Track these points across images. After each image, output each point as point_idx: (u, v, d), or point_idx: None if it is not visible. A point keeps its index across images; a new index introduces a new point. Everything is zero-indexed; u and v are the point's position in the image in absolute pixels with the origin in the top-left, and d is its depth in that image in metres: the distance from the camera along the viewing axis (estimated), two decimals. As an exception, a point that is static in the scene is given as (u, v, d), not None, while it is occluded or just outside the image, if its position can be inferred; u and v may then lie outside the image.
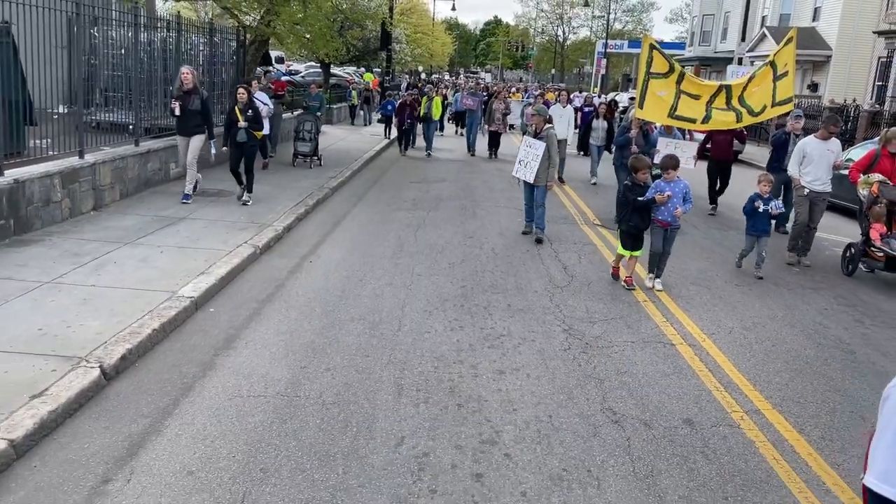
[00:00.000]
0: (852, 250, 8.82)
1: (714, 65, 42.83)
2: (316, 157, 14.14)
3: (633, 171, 7.54)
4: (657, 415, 4.68)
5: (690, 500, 3.75)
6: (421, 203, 11.65)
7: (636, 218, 7.44)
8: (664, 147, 10.26)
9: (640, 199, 7.36)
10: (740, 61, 34.65)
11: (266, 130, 12.02)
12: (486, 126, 18.76)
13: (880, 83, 25.76)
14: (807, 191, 9.06)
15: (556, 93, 21.89)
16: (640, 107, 10.24)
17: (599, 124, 14.97)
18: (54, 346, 4.88)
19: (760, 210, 8.21)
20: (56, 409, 4.10)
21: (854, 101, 23.49)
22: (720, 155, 12.12)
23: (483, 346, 5.69)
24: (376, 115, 24.70)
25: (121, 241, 7.67)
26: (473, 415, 4.54)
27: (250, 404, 4.51)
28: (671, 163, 7.42)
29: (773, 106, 10.20)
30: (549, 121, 9.82)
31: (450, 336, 5.87)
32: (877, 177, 8.75)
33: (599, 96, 31.37)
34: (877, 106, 22.66)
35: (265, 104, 12.30)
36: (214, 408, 4.44)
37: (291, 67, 37.36)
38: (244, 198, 10.11)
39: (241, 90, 10.01)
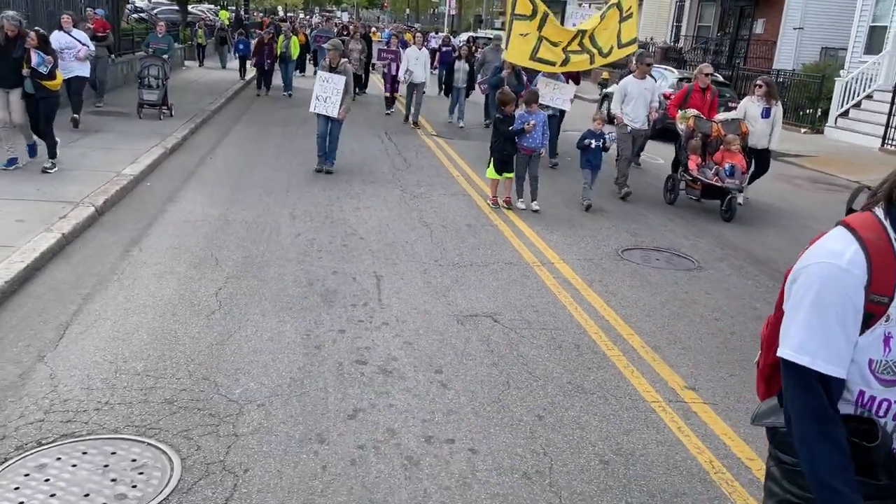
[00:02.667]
0: (672, 181, 9.52)
1: (553, 5, 46.62)
2: (165, 107, 12.70)
3: (502, 105, 8.55)
4: (450, 221, 7.84)
5: (466, 259, 6.90)
6: (291, 122, 14.09)
7: (508, 146, 8.43)
8: (544, 87, 10.73)
9: (510, 129, 8.34)
10: (580, 4, 38.51)
11: (86, 73, 11.05)
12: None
13: (677, 24, 30.48)
14: (629, 128, 9.63)
15: (413, 34, 21.25)
16: (506, 47, 10.67)
17: (461, 66, 15.12)
18: (55, 198, 7.27)
19: (592, 146, 8.78)
20: (77, 225, 6.58)
21: (651, 38, 27.95)
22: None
23: (346, 198, 8.60)
24: (234, 56, 23.13)
25: None
26: (341, 224, 7.49)
27: (199, 224, 7.17)
28: (532, 97, 8.71)
29: (619, 47, 10.43)
30: (345, 55, 10.47)
31: (323, 193, 8.73)
32: (693, 112, 9.31)
33: (453, 37, 34.03)
34: (668, 43, 27.23)
35: (84, 45, 10.80)
36: (176, 225, 7.08)
37: (137, 4, 35.24)
38: (46, 164, 8.33)
39: (31, 33, 8.15)
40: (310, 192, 8.74)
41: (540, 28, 10.16)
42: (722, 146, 8.94)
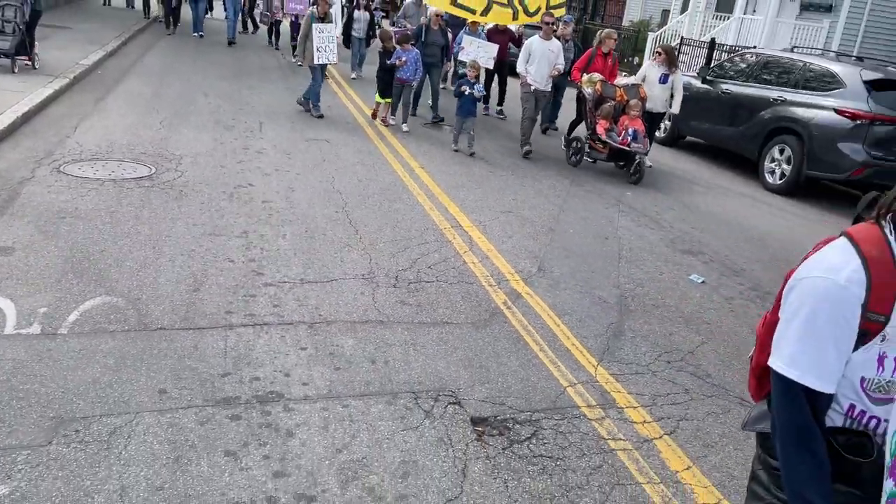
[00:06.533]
0: (577, 143, 9.70)
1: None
2: (25, 57, 10.43)
3: (382, 41, 10.67)
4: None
5: (325, 136, 10.69)
6: (204, 49, 17.18)
7: (387, 76, 10.36)
8: (468, 45, 11.14)
9: (388, 61, 10.27)
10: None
11: None
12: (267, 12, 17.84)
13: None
14: (532, 87, 9.74)
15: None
16: None
17: (361, 16, 14.81)
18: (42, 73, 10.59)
19: (466, 93, 9.37)
20: (62, 86, 9.96)
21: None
22: (497, 58, 11.67)
23: (249, 90, 12.20)
24: None
25: None
26: (240, 102, 11.13)
27: (143, 93, 10.66)
28: (405, 39, 10.38)
29: (548, 8, 10.81)
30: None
31: (230, 83, 12.30)
32: (598, 76, 9.50)
33: None
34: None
35: None
36: (129, 92, 10.56)
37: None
38: None
39: None
40: (220, 84, 12.29)
41: None
42: (625, 111, 9.32)
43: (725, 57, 15.08)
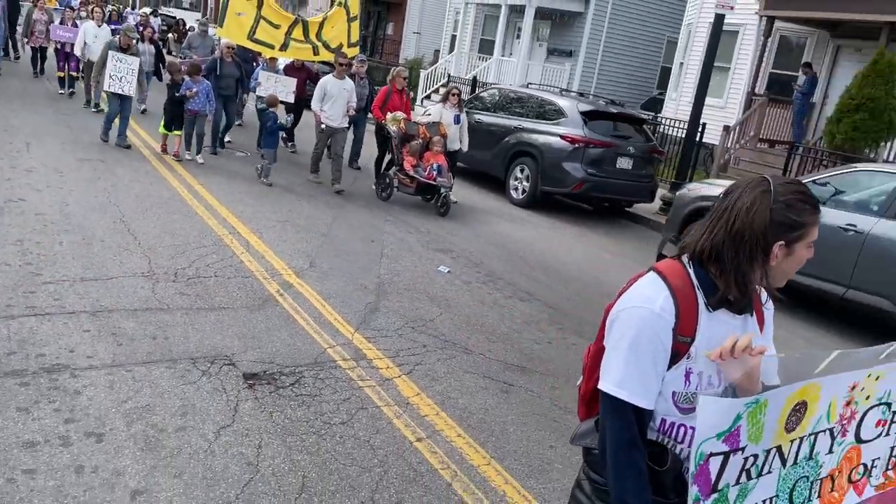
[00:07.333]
0: (386, 179, 10.24)
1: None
2: None
3: (170, 73, 10.53)
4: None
5: (98, 156, 10.67)
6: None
7: (177, 108, 10.24)
8: (266, 80, 11.33)
9: (177, 94, 10.22)
10: None
11: None
12: (26, 40, 16.62)
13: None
14: (324, 126, 10.11)
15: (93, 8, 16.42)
16: (221, 25, 11.00)
17: (146, 48, 13.96)
18: None
19: (269, 125, 9.93)
20: None
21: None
22: (295, 93, 11.87)
23: (13, 113, 11.74)
24: None
25: None
26: (10, 128, 10.76)
27: None
28: (195, 70, 10.33)
29: (348, 46, 11.36)
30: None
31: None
32: (401, 115, 10.02)
33: (133, 11, 34.80)
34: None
35: None
36: None
37: None
38: None
39: None
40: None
41: (259, 7, 10.73)
42: (429, 147, 10.03)
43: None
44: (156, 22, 25.29)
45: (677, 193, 9.46)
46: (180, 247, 6.59)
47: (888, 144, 12.62)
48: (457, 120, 10.62)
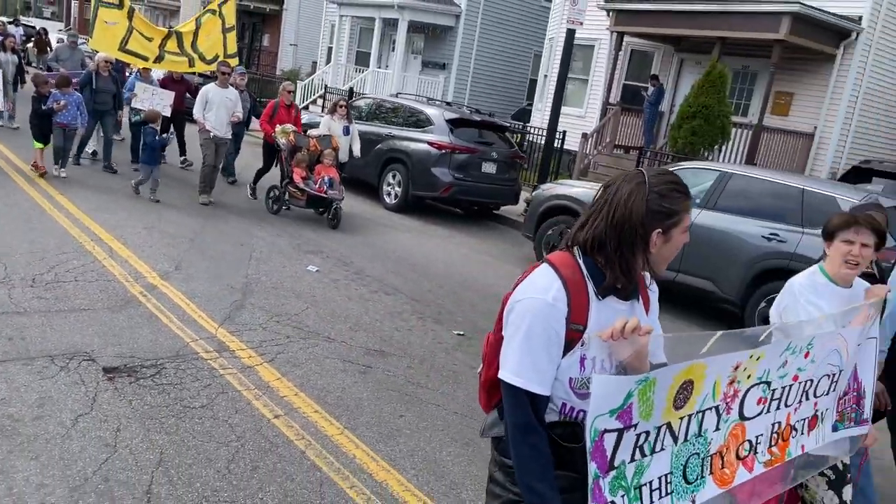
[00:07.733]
0: (276, 192, 10.11)
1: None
2: None
3: (35, 86, 10.02)
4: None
5: (-59, 151, 10.16)
6: None
7: (43, 122, 9.83)
8: (142, 92, 10.97)
9: (44, 106, 9.75)
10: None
11: None
12: None
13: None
14: (212, 134, 9.90)
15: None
16: (91, 36, 10.66)
17: (8, 58, 13.83)
18: None
19: (148, 141, 9.53)
20: None
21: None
22: (173, 106, 11.54)
23: None
24: None
25: None
26: None
27: None
28: (65, 82, 9.96)
29: (225, 57, 11.17)
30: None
31: None
32: (290, 127, 10.06)
33: (13, 22, 32.46)
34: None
35: None
36: None
37: None
38: None
39: None
40: None
41: (130, 18, 10.50)
42: (320, 160, 10.07)
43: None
44: (17, 31, 24.24)
45: (533, 193, 10.19)
46: (38, 254, 6.53)
47: (722, 147, 14.04)
48: (346, 131, 10.81)
